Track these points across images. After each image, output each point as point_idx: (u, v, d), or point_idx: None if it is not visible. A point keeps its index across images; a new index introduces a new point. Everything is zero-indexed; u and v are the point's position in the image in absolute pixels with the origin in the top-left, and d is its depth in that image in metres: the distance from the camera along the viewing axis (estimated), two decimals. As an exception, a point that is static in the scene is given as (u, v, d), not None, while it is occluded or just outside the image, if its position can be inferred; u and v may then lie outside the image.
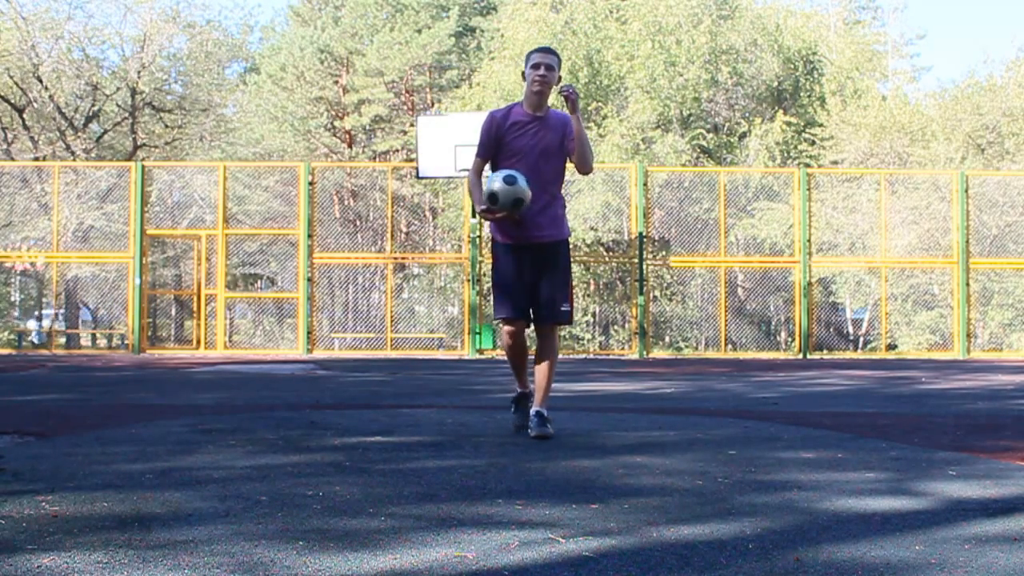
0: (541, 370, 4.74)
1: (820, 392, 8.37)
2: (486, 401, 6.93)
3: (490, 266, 4.97)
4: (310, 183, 16.23)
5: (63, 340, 19.19)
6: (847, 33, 35.30)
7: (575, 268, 18.24)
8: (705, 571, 2.23)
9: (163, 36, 24.92)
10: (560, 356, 17.19)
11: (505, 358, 5.07)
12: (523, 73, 4.71)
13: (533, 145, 4.65)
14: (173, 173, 19.14)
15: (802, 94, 26.93)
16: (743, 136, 24.86)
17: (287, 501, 3.00)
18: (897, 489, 3.33)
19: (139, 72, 24.53)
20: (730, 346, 17.19)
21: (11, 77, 23.83)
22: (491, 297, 4.87)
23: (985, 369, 12.55)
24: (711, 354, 17.38)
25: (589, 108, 25.03)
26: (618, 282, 18.79)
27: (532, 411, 4.67)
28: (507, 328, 4.73)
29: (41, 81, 23.76)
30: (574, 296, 4.83)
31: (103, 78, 25.06)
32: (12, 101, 24.30)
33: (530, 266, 4.69)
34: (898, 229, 18.56)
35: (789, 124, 24.50)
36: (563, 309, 4.71)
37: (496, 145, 4.69)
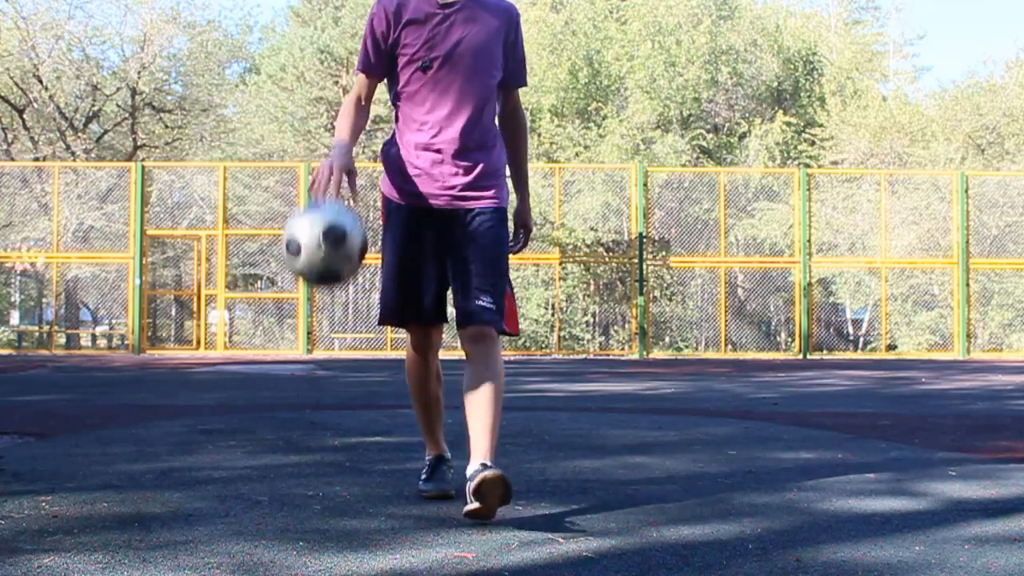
0: (476, 402, 2.92)
1: (820, 392, 8.37)
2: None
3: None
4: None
5: (63, 340, 19.19)
6: (847, 33, 35.34)
7: (575, 268, 18.22)
8: (705, 571, 2.23)
9: (163, 36, 24.94)
10: (559, 356, 17.19)
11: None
12: None
13: (452, 45, 2.95)
14: (173, 173, 19.15)
15: (802, 94, 26.95)
16: (743, 136, 24.87)
17: (287, 501, 3.00)
18: (897, 489, 3.33)
19: (139, 72, 24.54)
20: (730, 346, 17.19)
21: (11, 77, 23.85)
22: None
23: (985, 369, 12.55)
24: (711, 354, 17.38)
25: (589, 108, 25.04)
26: (618, 282, 18.79)
27: (476, 463, 2.80)
28: (410, 338, 3.11)
29: (41, 81, 23.77)
30: (514, 298, 3.13)
31: (103, 78, 25.07)
32: (12, 101, 24.31)
33: (440, 241, 3.02)
34: (898, 229, 18.56)
35: (789, 124, 24.52)
36: (482, 303, 2.94)
37: (391, 50, 3.00)
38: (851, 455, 4.14)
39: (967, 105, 25.04)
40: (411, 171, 3.01)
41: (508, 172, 3.20)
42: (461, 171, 3.00)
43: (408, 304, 3.03)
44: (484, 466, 2.73)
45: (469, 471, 2.76)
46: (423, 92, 2.99)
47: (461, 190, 2.99)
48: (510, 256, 3.09)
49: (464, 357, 3.00)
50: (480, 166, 3.01)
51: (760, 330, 20.44)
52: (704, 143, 24.62)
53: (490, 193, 3.02)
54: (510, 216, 3.15)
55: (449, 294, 3.08)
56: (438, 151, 2.98)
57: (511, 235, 3.14)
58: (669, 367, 13.06)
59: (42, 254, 16.97)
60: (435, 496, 3.09)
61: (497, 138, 3.11)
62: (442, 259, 3.03)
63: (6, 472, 3.48)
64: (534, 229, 3.18)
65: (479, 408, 2.90)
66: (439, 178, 2.99)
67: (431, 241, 3.02)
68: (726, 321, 16.91)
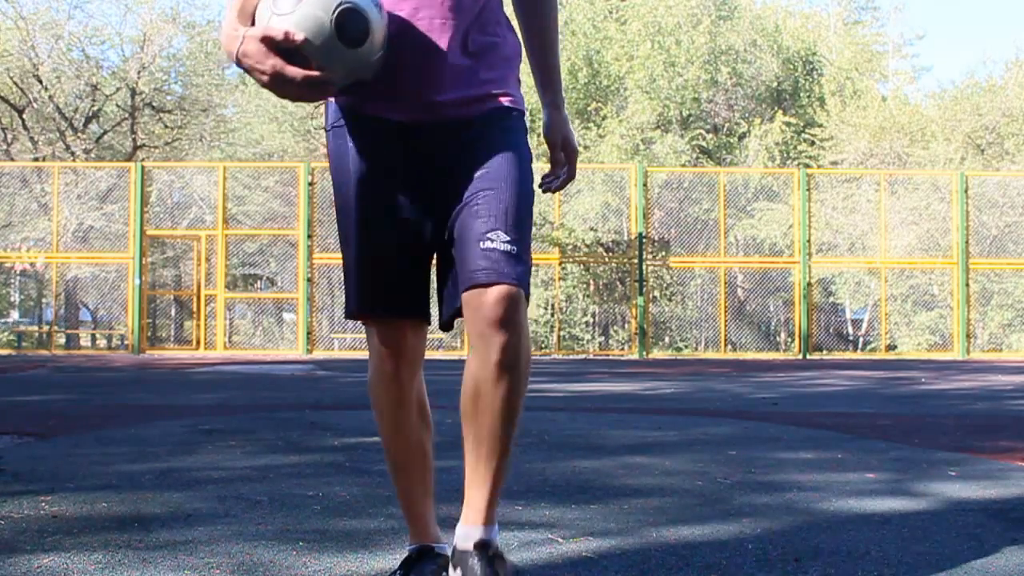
0: (480, 420, 1.83)
1: (820, 393, 8.37)
2: (486, 401, 6.92)
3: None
4: (310, 183, 16.23)
5: (63, 340, 19.19)
6: (847, 33, 35.34)
7: (574, 269, 18.19)
8: (705, 571, 2.23)
9: (163, 36, 24.94)
10: (559, 356, 17.18)
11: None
12: None
13: None
14: (173, 173, 19.15)
15: (802, 94, 26.96)
16: (743, 136, 24.88)
17: (287, 501, 3.00)
18: (897, 489, 3.33)
19: (139, 72, 24.53)
20: (730, 347, 17.19)
21: (11, 77, 23.85)
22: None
23: (985, 370, 12.55)
24: (711, 355, 17.38)
25: (589, 108, 25.02)
26: (618, 283, 18.78)
27: (475, 536, 1.84)
28: (376, 338, 1.99)
29: (41, 81, 23.77)
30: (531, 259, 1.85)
31: (103, 78, 25.07)
32: (12, 101, 24.31)
33: (432, 175, 1.89)
34: (898, 229, 18.57)
35: (789, 124, 24.53)
36: (506, 249, 1.79)
37: None
38: (851, 455, 4.14)
39: (967, 105, 25.06)
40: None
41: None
42: (463, 64, 1.87)
43: (387, 280, 1.96)
44: (482, 546, 1.82)
45: (458, 535, 1.86)
46: None
47: (468, 89, 1.89)
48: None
49: (471, 347, 1.84)
50: (485, 55, 1.90)
51: (760, 330, 20.44)
52: (704, 143, 24.63)
53: (502, 84, 1.94)
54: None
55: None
56: (416, 33, 1.83)
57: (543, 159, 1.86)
58: (669, 367, 13.05)
59: (42, 254, 16.97)
60: None
61: (505, 22, 1.98)
62: (431, 196, 1.89)
63: (6, 472, 3.48)
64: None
65: (483, 430, 1.82)
66: (429, 77, 1.85)
67: (415, 178, 1.90)
68: (726, 321, 16.92)
